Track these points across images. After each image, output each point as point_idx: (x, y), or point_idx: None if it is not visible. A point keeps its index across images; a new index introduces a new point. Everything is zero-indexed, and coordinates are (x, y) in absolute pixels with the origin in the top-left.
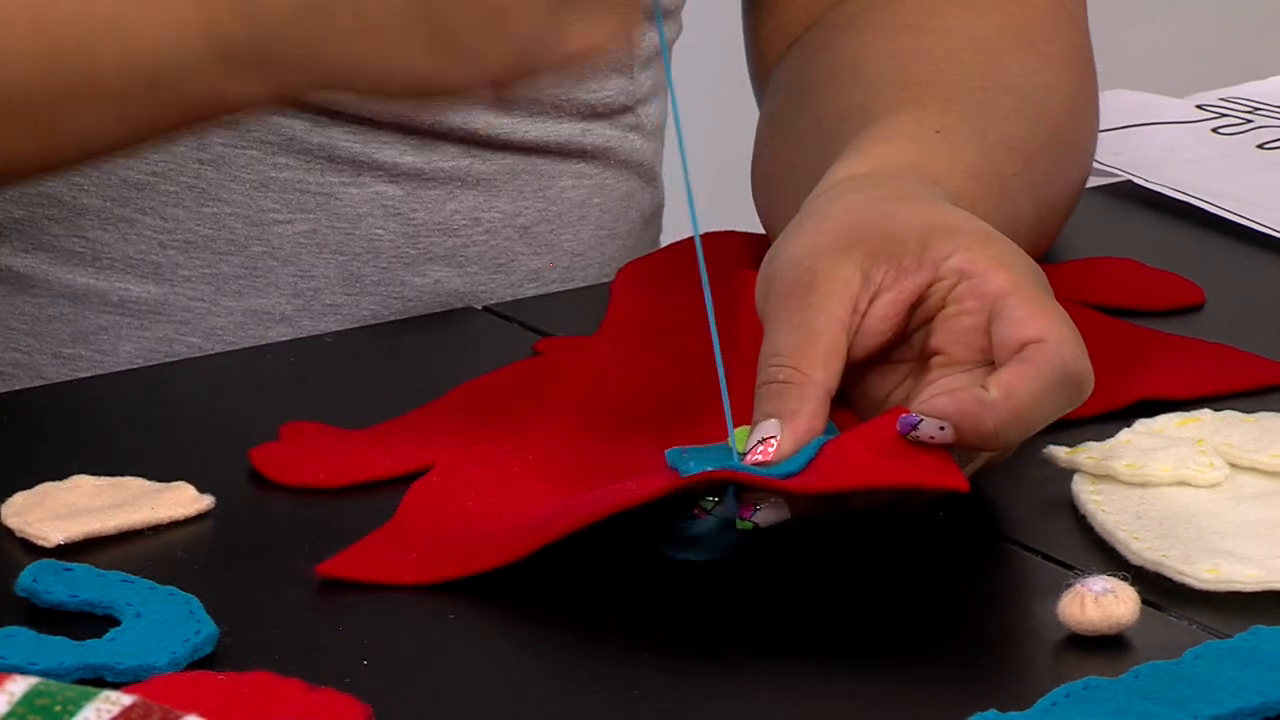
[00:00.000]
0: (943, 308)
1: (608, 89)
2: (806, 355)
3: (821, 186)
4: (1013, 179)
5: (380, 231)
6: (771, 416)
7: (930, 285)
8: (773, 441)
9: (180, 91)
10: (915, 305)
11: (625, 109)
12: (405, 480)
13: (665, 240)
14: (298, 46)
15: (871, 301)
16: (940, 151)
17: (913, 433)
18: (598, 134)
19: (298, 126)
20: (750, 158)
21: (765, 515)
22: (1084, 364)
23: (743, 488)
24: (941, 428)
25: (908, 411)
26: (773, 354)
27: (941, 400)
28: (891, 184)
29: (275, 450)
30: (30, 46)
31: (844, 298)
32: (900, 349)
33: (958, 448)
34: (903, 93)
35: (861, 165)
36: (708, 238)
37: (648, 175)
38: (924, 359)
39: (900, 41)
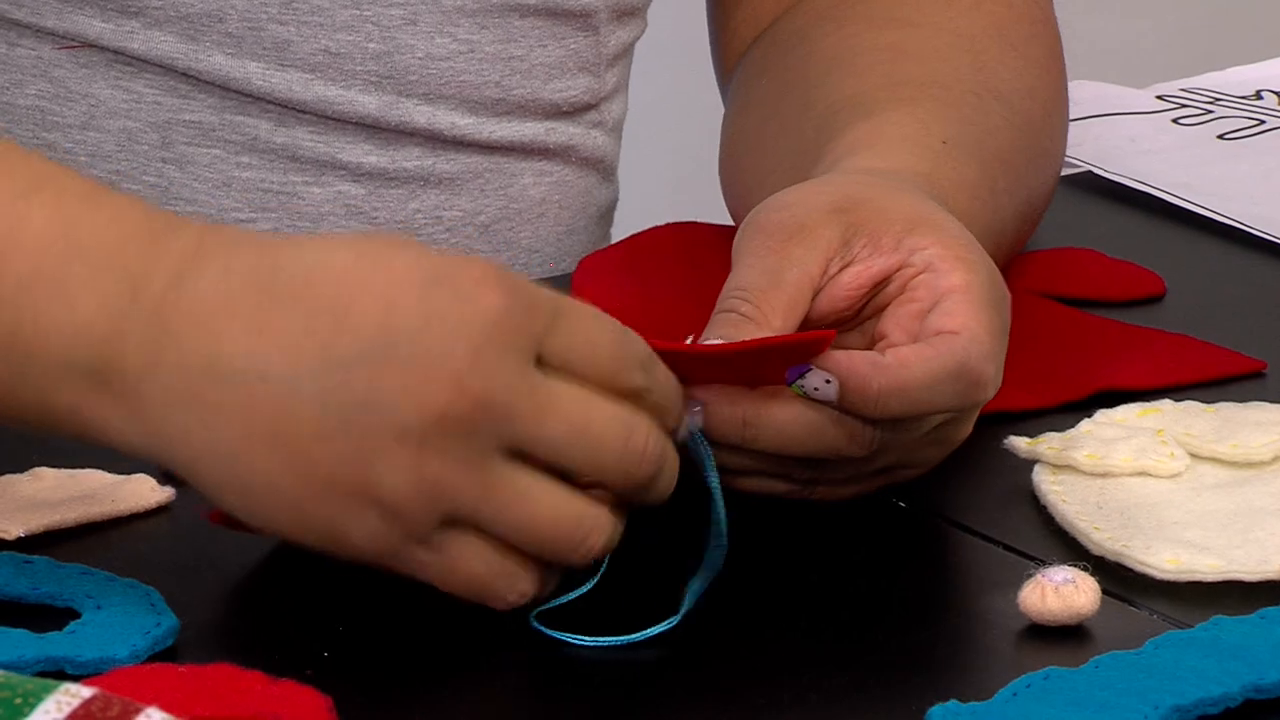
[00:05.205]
0: (899, 295)
1: (574, 88)
2: (770, 299)
3: (837, 169)
4: (1003, 195)
5: (342, 230)
6: (721, 339)
7: (898, 269)
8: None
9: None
10: (878, 286)
11: (589, 106)
12: None
13: (616, 235)
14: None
15: (842, 269)
16: (949, 166)
17: (799, 381)
18: (561, 132)
19: (262, 126)
20: (712, 152)
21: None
22: (988, 369)
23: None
24: (828, 380)
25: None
26: (738, 288)
27: (837, 355)
28: (901, 182)
29: None
30: None
31: (820, 255)
32: (852, 334)
33: (842, 407)
34: (899, 89)
35: (877, 162)
36: (672, 227)
37: (606, 172)
38: (871, 347)
39: (887, 35)
